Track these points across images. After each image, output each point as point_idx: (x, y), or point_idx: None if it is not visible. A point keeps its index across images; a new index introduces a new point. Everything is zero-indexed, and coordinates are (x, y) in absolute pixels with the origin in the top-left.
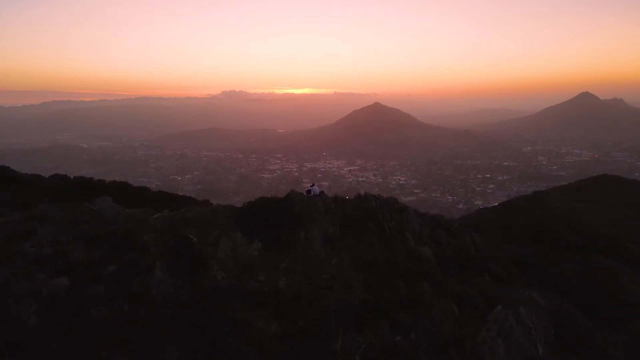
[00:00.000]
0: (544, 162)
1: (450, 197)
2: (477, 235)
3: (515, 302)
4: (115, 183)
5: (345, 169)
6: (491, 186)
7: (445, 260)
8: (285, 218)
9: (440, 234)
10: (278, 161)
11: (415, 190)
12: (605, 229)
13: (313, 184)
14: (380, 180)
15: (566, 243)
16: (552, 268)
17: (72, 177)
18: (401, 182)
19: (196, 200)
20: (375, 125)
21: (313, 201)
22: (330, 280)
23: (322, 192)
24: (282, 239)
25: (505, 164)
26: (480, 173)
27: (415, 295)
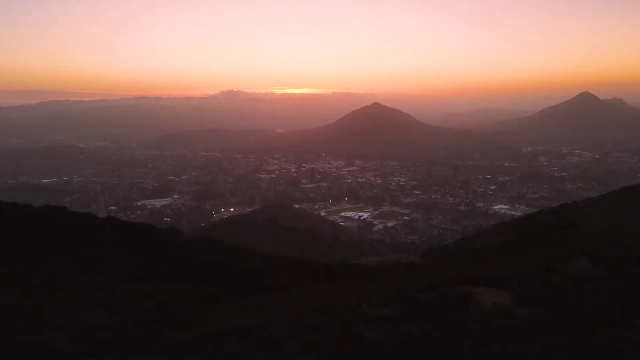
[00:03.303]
0: (545, 163)
1: (450, 199)
2: None
3: None
4: (47, 208)
5: (344, 169)
6: (492, 187)
7: None
8: None
9: None
10: (277, 161)
11: (415, 192)
12: None
13: None
14: (379, 181)
15: None
16: None
17: None
18: (401, 183)
19: (158, 229)
20: (374, 126)
21: None
22: None
23: None
24: None
25: (506, 164)
26: (481, 174)
27: None
